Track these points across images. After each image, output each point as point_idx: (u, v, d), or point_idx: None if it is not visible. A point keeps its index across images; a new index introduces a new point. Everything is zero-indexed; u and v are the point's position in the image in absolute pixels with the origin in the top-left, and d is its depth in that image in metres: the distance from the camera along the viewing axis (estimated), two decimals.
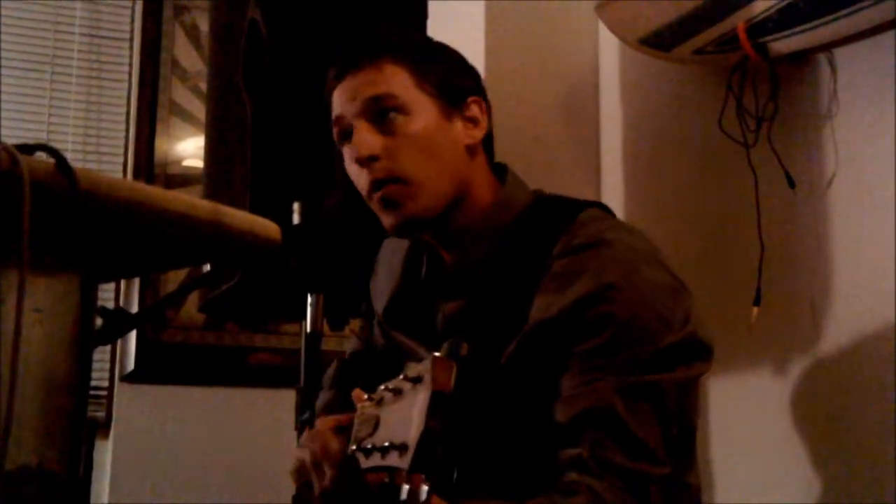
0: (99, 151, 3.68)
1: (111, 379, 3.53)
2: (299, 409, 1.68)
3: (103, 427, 3.48)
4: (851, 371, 1.65)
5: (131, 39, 3.75)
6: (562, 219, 1.37)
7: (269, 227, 1.05)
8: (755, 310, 1.76)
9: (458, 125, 1.41)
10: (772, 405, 1.78)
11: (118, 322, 1.04)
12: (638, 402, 1.24)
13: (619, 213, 2.11)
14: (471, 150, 1.42)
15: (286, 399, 1.76)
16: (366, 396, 1.18)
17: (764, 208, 1.78)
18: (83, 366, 0.96)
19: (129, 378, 3.46)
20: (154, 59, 3.64)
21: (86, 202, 0.89)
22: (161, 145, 3.60)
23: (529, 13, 2.22)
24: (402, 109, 1.38)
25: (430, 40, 1.51)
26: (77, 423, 0.94)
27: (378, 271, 1.64)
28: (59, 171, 0.88)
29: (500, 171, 1.47)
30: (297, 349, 1.78)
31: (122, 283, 3.47)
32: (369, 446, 1.08)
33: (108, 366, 3.54)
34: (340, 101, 1.42)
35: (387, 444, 1.04)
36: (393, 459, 1.02)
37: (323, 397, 1.65)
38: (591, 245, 1.31)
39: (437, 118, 1.40)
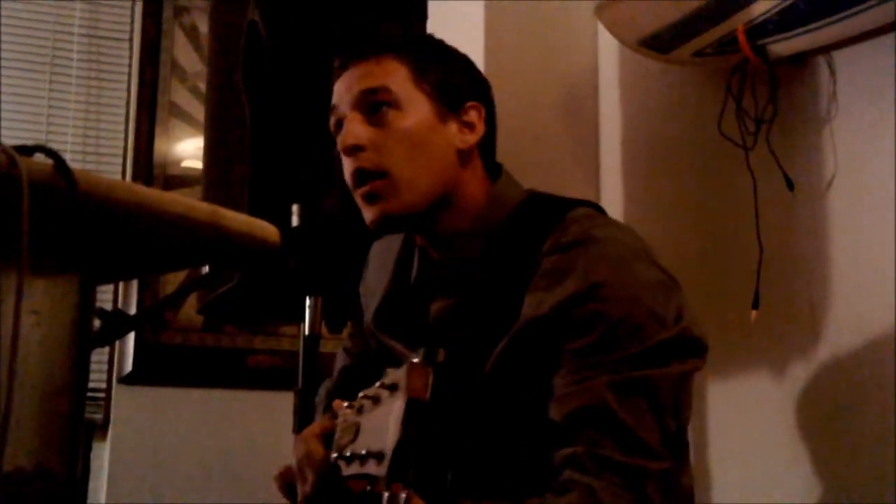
0: (98, 152, 3.69)
1: (109, 380, 3.53)
2: (297, 412, 1.68)
3: (101, 429, 3.48)
4: (851, 373, 1.65)
5: (131, 40, 3.75)
6: (552, 217, 1.37)
7: (267, 230, 1.05)
8: (754, 313, 1.76)
9: (453, 128, 1.41)
10: (771, 408, 1.78)
11: (116, 324, 1.04)
12: (631, 398, 1.23)
13: (618, 214, 2.11)
14: (463, 154, 1.41)
15: (284, 401, 1.76)
16: (346, 405, 1.19)
17: (763, 211, 1.78)
18: (81, 367, 0.95)
19: (127, 380, 3.46)
20: (153, 60, 3.64)
21: (84, 204, 0.89)
22: (160, 146, 3.60)
23: (529, 14, 2.22)
24: (395, 104, 1.38)
25: (439, 43, 1.50)
26: (75, 424, 0.94)
27: (367, 275, 1.64)
28: (58, 173, 0.88)
29: (496, 173, 1.47)
30: (295, 351, 1.78)
31: (121, 284, 3.47)
32: (349, 454, 1.09)
33: (105, 367, 3.54)
34: (338, 91, 1.43)
35: (364, 452, 1.04)
36: (371, 468, 1.02)
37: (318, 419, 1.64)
38: (581, 242, 1.31)
39: (431, 118, 1.40)
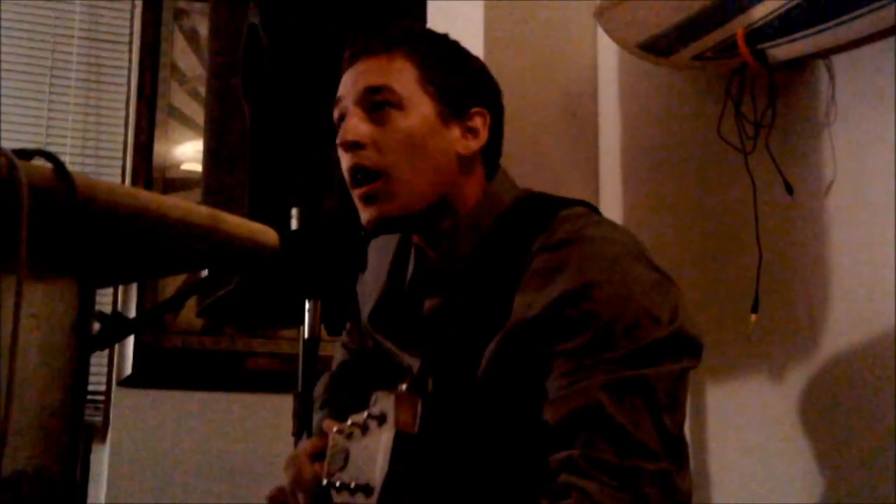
0: (98, 155, 3.69)
1: (108, 383, 3.53)
2: (297, 415, 1.67)
3: (100, 431, 3.48)
4: (850, 378, 1.65)
5: (130, 43, 3.75)
6: (543, 216, 1.36)
7: (267, 234, 1.05)
8: (753, 316, 1.76)
9: (455, 132, 1.40)
10: (770, 411, 1.78)
11: (116, 327, 1.04)
12: (627, 398, 1.22)
13: (617, 218, 2.11)
14: (463, 159, 1.41)
15: (284, 404, 1.75)
16: (335, 428, 1.18)
17: (762, 215, 1.78)
18: (80, 371, 0.95)
19: (126, 382, 3.46)
20: (153, 63, 3.64)
21: (84, 208, 0.89)
22: (160, 149, 3.60)
23: (528, 18, 2.22)
24: (398, 104, 1.38)
25: (453, 44, 1.49)
26: (74, 427, 0.94)
27: (364, 273, 1.63)
28: (58, 177, 0.88)
29: (493, 173, 1.46)
30: (294, 354, 1.78)
31: (120, 287, 3.47)
32: (338, 484, 1.09)
33: (105, 370, 3.54)
34: (345, 83, 1.43)
35: (353, 484, 1.04)
36: (360, 500, 1.02)
37: (316, 420, 1.64)
38: (572, 241, 1.30)
39: (433, 120, 1.39)
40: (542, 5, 2.23)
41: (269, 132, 1.87)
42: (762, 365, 1.80)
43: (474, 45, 2.13)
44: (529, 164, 1.98)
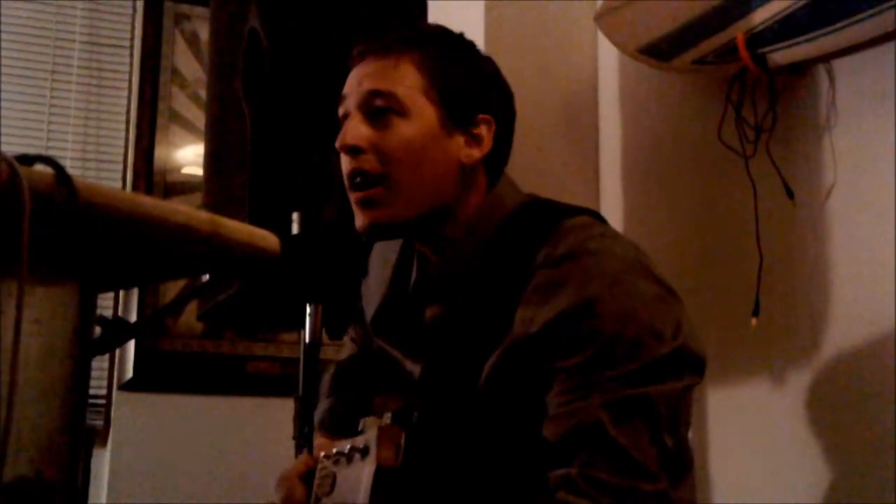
0: (98, 159, 3.69)
1: (109, 387, 3.53)
2: (298, 419, 1.67)
3: (101, 435, 3.48)
4: (851, 382, 1.65)
5: (131, 47, 3.76)
6: (546, 226, 1.33)
7: (268, 239, 1.05)
8: (754, 320, 1.76)
9: (459, 141, 1.38)
10: (771, 415, 1.78)
11: (117, 331, 1.04)
12: (626, 417, 1.20)
13: (618, 222, 2.11)
14: (466, 168, 1.38)
15: (285, 408, 1.76)
16: (323, 454, 1.18)
17: (763, 219, 1.78)
18: (82, 375, 0.95)
19: (127, 386, 3.46)
20: (154, 67, 3.65)
21: (85, 213, 0.89)
22: (160, 153, 3.61)
23: (529, 22, 2.22)
24: (400, 111, 1.35)
25: (465, 47, 1.46)
26: (75, 431, 0.94)
27: (368, 277, 1.62)
28: (59, 183, 0.88)
29: (497, 178, 1.44)
30: (295, 358, 1.78)
31: (121, 292, 3.47)
32: None
33: (106, 374, 3.54)
34: (350, 82, 1.41)
35: None
36: None
37: (321, 408, 1.63)
38: (574, 255, 1.27)
39: (435, 128, 1.36)
40: (542, 8, 2.24)
41: (270, 136, 1.87)
42: (763, 367, 1.80)
43: None
44: (530, 169, 1.98)
